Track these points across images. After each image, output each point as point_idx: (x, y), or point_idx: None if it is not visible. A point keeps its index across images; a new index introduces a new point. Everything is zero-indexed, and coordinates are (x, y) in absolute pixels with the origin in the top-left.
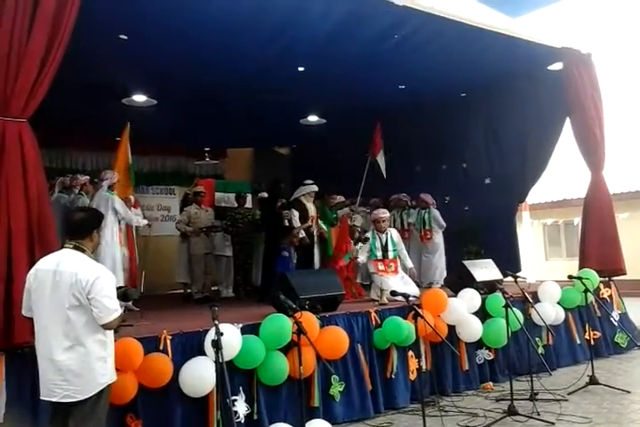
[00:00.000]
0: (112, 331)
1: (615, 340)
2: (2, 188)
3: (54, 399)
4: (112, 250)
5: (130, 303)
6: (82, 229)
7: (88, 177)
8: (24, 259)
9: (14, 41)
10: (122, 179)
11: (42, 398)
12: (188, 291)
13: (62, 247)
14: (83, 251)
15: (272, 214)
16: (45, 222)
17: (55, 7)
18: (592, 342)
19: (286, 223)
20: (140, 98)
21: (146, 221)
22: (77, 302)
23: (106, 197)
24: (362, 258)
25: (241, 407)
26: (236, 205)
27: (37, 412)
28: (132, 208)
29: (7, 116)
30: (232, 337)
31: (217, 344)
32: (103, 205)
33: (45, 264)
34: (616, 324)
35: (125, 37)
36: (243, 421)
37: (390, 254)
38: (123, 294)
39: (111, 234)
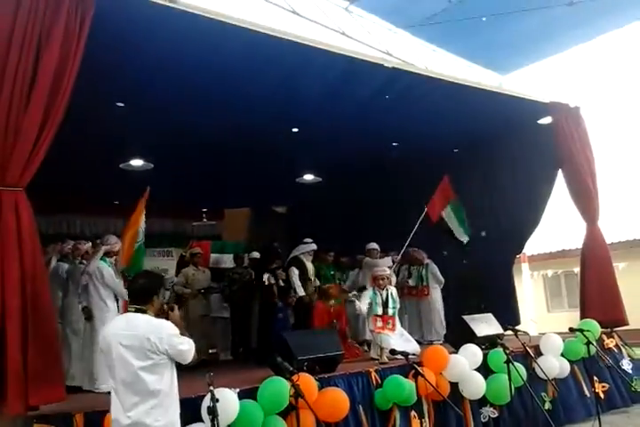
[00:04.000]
0: (176, 388)
1: (633, 388)
2: None
3: None
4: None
5: None
6: (142, 296)
7: (90, 244)
8: (16, 336)
9: (12, 111)
10: (127, 244)
11: None
12: None
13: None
14: (145, 312)
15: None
16: (40, 292)
17: (53, 78)
18: (601, 395)
19: (281, 283)
20: (137, 162)
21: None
22: (150, 362)
23: (98, 267)
24: (363, 307)
25: None
26: (232, 265)
27: None
28: None
29: (3, 185)
30: (229, 403)
31: (213, 411)
32: (95, 276)
33: (113, 328)
34: (630, 371)
35: (122, 104)
36: None
37: (390, 311)
38: None
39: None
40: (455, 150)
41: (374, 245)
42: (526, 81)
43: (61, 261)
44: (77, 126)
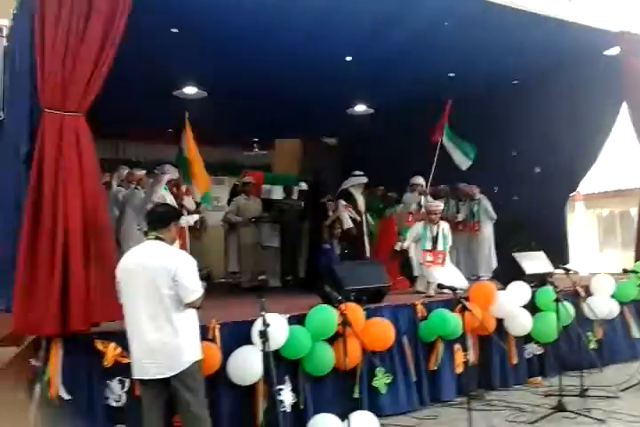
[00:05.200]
0: (195, 311)
1: None
2: (59, 183)
3: (146, 377)
4: None
5: None
6: (161, 222)
7: (144, 171)
8: (79, 252)
9: (71, 37)
10: (199, 171)
11: (135, 377)
12: (238, 280)
13: (147, 239)
14: (163, 240)
15: (315, 206)
16: (100, 217)
17: (109, 2)
18: None
19: (330, 214)
20: (190, 90)
21: (196, 217)
22: (165, 287)
23: (160, 195)
24: (407, 243)
25: (287, 397)
26: (283, 196)
27: (92, 397)
28: (185, 196)
29: (65, 110)
30: (279, 327)
31: (264, 335)
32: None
33: (132, 256)
34: None
35: (177, 31)
36: (288, 410)
37: (440, 246)
38: (206, 275)
39: None
40: (514, 82)
41: (419, 180)
42: (592, 7)
43: (120, 186)
44: (133, 53)
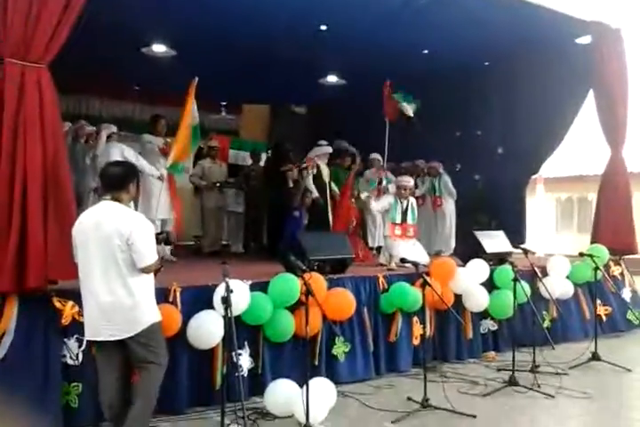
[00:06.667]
0: (151, 274)
1: (627, 317)
2: (19, 135)
3: (99, 339)
4: None
5: (168, 253)
6: (119, 183)
7: (94, 128)
8: (38, 206)
9: None
10: (181, 140)
11: (87, 338)
12: (199, 243)
13: (100, 200)
14: (120, 202)
15: (276, 174)
16: (60, 170)
17: None
18: (603, 318)
19: (290, 184)
20: (159, 48)
21: (158, 173)
22: (119, 249)
23: (117, 146)
24: (378, 206)
25: (245, 362)
26: (250, 162)
27: (48, 355)
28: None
29: (27, 60)
30: (241, 293)
31: (226, 301)
32: (114, 155)
33: (88, 216)
34: (628, 300)
35: None
36: (246, 375)
37: (410, 219)
38: (165, 239)
39: None
40: (486, 63)
41: (377, 156)
42: None
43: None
44: (102, 5)
